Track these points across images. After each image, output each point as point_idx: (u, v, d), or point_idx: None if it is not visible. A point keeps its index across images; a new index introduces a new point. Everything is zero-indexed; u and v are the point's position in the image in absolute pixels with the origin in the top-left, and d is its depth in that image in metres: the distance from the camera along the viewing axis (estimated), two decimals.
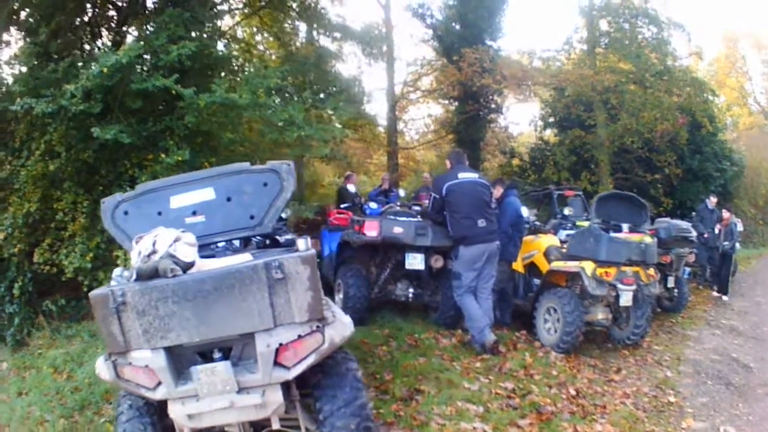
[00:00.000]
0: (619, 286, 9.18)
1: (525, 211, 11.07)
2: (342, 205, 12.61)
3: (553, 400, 7.36)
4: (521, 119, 68.49)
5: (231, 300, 4.26)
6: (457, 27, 25.14)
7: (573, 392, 7.73)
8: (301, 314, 4.34)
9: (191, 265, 4.54)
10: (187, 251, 4.62)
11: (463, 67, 22.40)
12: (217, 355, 4.50)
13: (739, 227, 18.50)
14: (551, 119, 27.74)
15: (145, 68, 10.46)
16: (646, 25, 23.04)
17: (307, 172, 26.51)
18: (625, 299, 9.27)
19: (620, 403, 7.67)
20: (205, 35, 11.72)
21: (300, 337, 4.35)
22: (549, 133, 28.90)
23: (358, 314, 9.21)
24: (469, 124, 25.65)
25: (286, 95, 12.44)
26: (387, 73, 27.61)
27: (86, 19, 11.95)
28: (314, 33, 19.67)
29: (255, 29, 20.37)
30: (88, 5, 11.85)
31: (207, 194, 5.74)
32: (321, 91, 14.02)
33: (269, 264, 4.27)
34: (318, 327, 4.42)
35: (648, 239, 9.76)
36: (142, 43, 9.95)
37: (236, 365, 4.47)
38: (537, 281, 10.45)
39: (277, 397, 4.51)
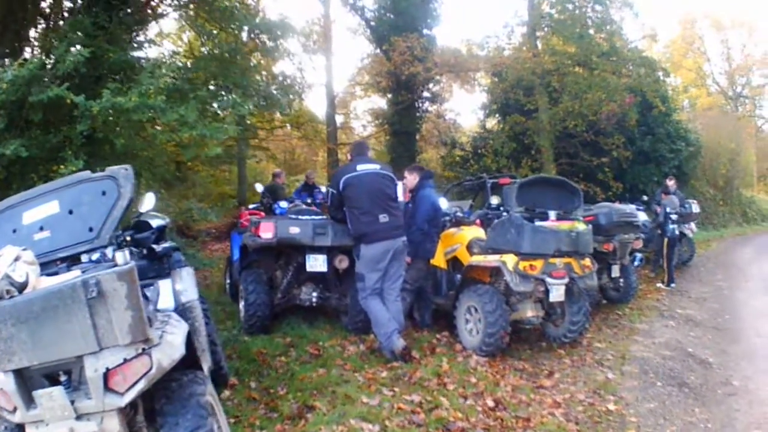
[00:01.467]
0: (548, 280, 8.46)
1: (444, 203, 10.42)
2: (251, 206, 12.27)
3: (465, 414, 6.52)
4: (468, 109, 68.61)
5: (57, 321, 3.89)
6: (391, 16, 24.92)
7: (491, 403, 6.89)
8: (124, 336, 3.92)
9: (25, 285, 4.16)
10: (23, 270, 4.25)
11: (393, 56, 22.13)
12: (63, 378, 4.11)
13: (695, 208, 17.99)
14: (494, 106, 27.41)
15: (45, 79, 10.16)
16: (590, 5, 22.47)
17: (252, 172, 26.75)
18: (556, 294, 8.57)
19: (548, 414, 6.79)
20: (106, 42, 11.29)
21: (126, 360, 3.96)
22: (493, 122, 28.63)
23: (261, 322, 9.04)
24: (404, 116, 25.45)
25: (191, 95, 11.66)
26: (326, 69, 27.61)
27: None
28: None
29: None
30: None
31: (52, 208, 5.31)
32: (223, 88, 13.40)
33: (86, 282, 3.86)
34: (144, 349, 4.01)
35: (581, 226, 8.98)
36: (42, 56, 10.07)
37: (76, 390, 4.07)
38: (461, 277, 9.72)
39: (114, 425, 4.11)
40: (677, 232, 15.28)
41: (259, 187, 12.04)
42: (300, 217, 9.34)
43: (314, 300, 9.57)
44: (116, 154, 10.82)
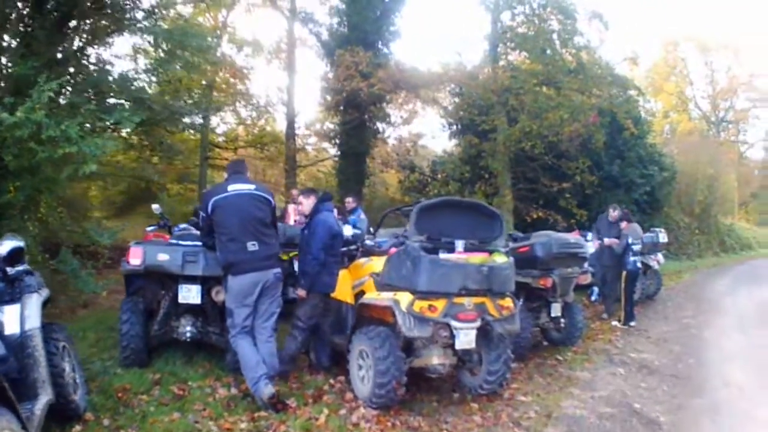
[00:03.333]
0: (453, 323, 7.21)
1: (348, 230, 9.75)
2: (149, 228, 11.19)
3: None
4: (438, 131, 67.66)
5: None
6: (344, 30, 24.12)
7: None
8: None
9: None
10: None
11: (337, 72, 21.28)
12: None
13: (662, 238, 17.14)
14: (453, 128, 26.27)
15: None
16: (555, 16, 21.00)
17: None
18: (464, 340, 7.30)
19: None
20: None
21: None
22: (453, 144, 27.60)
23: (135, 354, 8.36)
24: (352, 136, 24.39)
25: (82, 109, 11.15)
26: (287, 88, 27.28)
27: None
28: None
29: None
30: None
31: None
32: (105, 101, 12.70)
33: None
34: None
35: (500, 259, 7.75)
36: None
37: None
38: None
39: None
40: (639, 265, 14.02)
41: (157, 209, 10.97)
42: (180, 242, 8.66)
43: (189, 335, 8.74)
44: (12, 173, 10.57)
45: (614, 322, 13.70)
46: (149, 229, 11.06)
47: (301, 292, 8.33)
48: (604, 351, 11.42)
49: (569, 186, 21.74)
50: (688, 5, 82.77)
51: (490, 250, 7.92)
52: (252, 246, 7.32)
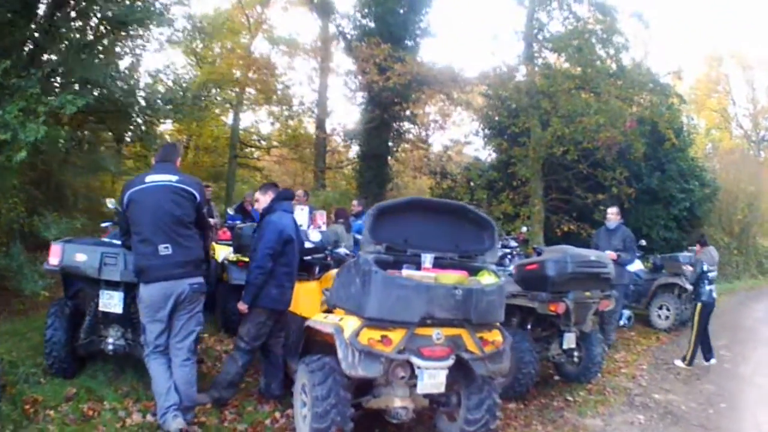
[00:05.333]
0: (415, 360, 5.39)
1: (314, 235, 8.42)
2: (104, 223, 10.40)
3: None
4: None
5: None
6: (369, 24, 22.76)
7: None
8: None
9: None
10: None
11: (360, 65, 20.11)
12: None
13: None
14: (486, 131, 24.55)
15: None
16: (592, 13, 19.32)
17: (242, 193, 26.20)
18: (428, 383, 5.49)
19: None
20: None
21: None
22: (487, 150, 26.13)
23: (58, 363, 7.37)
24: (374, 136, 23.06)
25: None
26: (319, 88, 26.99)
27: None
28: None
29: None
30: None
31: None
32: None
33: None
34: None
35: (487, 279, 5.88)
36: None
37: None
38: None
39: None
40: (714, 296, 11.38)
41: (111, 203, 9.74)
42: (113, 242, 7.50)
43: (112, 347, 7.48)
44: None
45: (677, 362, 11.29)
46: (104, 224, 10.31)
47: (242, 306, 6.95)
48: (624, 390, 9.31)
49: (605, 198, 19.65)
50: (732, 20, 79.97)
51: (473, 268, 6.05)
52: (164, 249, 6.09)
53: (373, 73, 19.02)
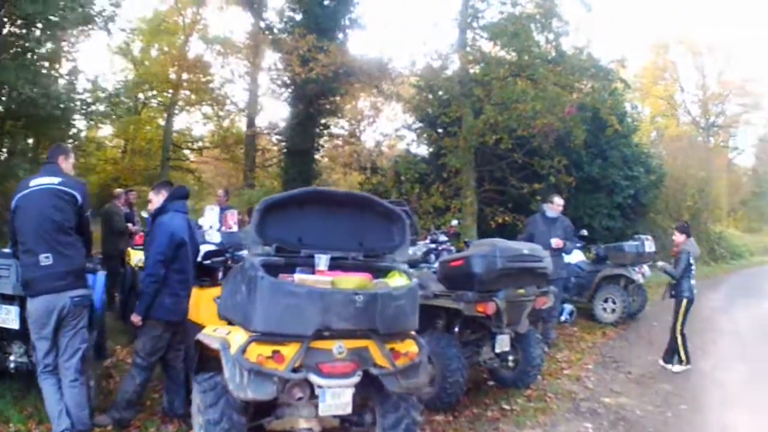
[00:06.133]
0: (314, 378, 4.83)
1: (215, 236, 8.08)
2: None
3: None
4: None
5: None
6: (297, 16, 23.05)
7: None
8: None
9: None
10: None
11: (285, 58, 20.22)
12: None
13: (649, 247, 14.54)
14: (419, 123, 24.33)
15: None
16: None
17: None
18: (332, 404, 4.98)
19: None
20: None
21: None
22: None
23: None
24: (297, 131, 23.10)
25: None
26: (250, 86, 27.57)
27: None
28: None
29: None
30: None
31: None
32: None
33: None
34: None
35: (398, 281, 5.33)
36: None
37: None
38: None
39: None
40: (695, 291, 10.64)
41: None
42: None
43: (13, 365, 7.16)
44: None
45: (670, 367, 10.51)
46: None
47: (135, 318, 6.62)
48: (568, 395, 8.78)
49: (542, 187, 19.48)
50: (679, 7, 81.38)
51: (381, 268, 5.54)
52: (45, 259, 5.88)
53: (296, 65, 18.89)
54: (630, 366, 10.62)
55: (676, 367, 10.38)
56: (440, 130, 21.07)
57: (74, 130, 16.20)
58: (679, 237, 10.77)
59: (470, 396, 8.10)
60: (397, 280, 5.29)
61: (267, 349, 4.73)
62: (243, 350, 4.67)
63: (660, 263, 10.99)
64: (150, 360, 6.80)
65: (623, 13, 71.48)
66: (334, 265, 5.19)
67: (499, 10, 19.30)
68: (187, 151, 31.66)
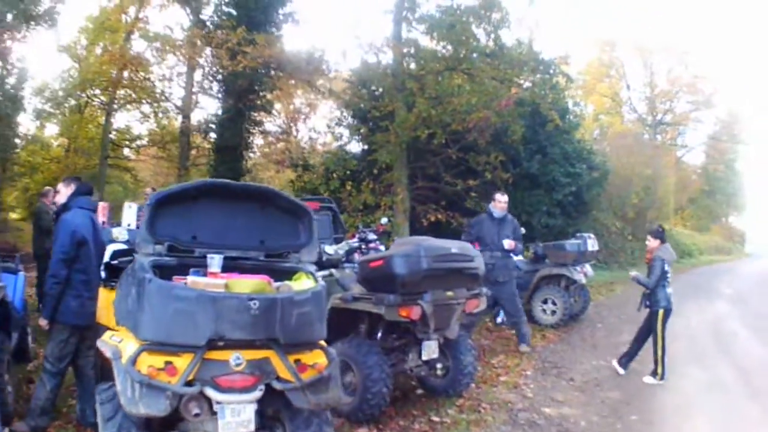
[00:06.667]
0: (211, 393, 4.50)
1: (120, 233, 7.93)
2: None
3: None
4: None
5: None
6: (229, 10, 23.24)
7: None
8: None
9: None
10: None
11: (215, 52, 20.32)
12: None
13: (591, 246, 14.40)
14: (351, 119, 24.32)
15: None
16: None
17: (117, 195, 28.33)
18: (232, 422, 4.59)
19: None
20: None
21: None
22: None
23: None
24: (227, 127, 23.28)
25: None
26: (186, 83, 27.63)
27: None
28: None
29: None
30: None
31: None
32: None
33: None
34: None
35: (299, 286, 4.97)
36: None
37: None
38: None
39: None
40: (672, 300, 10.09)
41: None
42: None
43: None
44: None
45: (647, 378, 9.94)
46: None
47: (42, 322, 6.57)
48: (504, 405, 8.36)
49: (477, 184, 19.55)
50: (626, 4, 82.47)
51: (285, 270, 5.21)
52: None
53: (224, 59, 18.99)
54: (572, 372, 10.24)
55: (647, 378, 9.94)
56: (372, 125, 20.98)
57: (22, 130, 16.10)
58: (652, 242, 10.31)
59: (397, 406, 7.73)
60: (302, 283, 4.94)
61: (159, 360, 4.37)
62: (133, 361, 4.34)
63: (632, 273, 10.53)
64: (59, 366, 6.64)
65: (569, 8, 71.90)
66: (231, 266, 4.86)
67: (437, 3, 19.28)
68: (126, 150, 32.36)
